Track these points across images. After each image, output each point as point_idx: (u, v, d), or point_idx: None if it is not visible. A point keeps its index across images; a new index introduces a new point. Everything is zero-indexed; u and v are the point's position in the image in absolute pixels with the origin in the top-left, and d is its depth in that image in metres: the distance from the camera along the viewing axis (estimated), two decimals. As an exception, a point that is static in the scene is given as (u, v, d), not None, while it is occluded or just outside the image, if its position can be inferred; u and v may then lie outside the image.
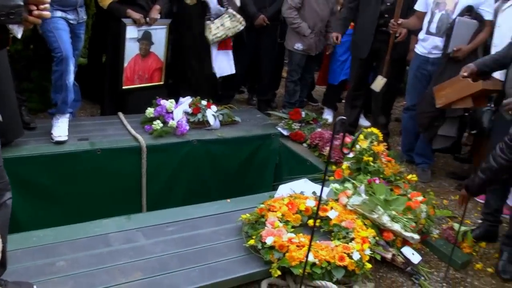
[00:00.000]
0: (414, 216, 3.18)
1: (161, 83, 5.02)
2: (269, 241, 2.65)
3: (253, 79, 6.26)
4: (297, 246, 2.62)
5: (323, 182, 1.99)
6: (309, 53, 5.40)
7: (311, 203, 3.03)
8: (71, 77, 3.84)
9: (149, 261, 2.61)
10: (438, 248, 3.41)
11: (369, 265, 2.76)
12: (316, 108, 6.39)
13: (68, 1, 3.79)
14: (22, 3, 1.63)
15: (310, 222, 2.94)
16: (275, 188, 3.46)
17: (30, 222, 3.45)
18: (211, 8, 4.87)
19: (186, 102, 4.47)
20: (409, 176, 3.70)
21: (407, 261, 3.08)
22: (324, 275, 2.61)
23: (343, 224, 2.94)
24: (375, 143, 3.69)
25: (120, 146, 3.91)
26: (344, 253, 2.68)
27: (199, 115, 4.40)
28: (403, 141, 5.00)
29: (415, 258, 3.11)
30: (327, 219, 3.01)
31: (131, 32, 4.57)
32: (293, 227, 2.88)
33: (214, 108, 4.54)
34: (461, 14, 4.08)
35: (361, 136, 3.72)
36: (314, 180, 3.59)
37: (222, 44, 5.21)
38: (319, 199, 2.10)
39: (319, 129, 4.45)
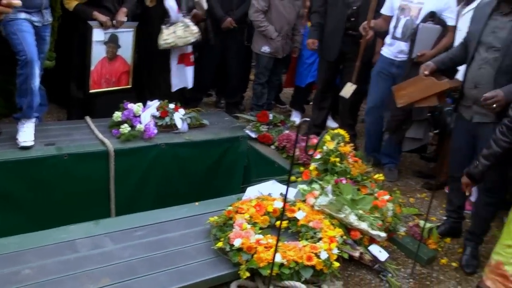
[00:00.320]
0: (380, 214, 3.25)
1: (129, 86, 4.98)
2: (237, 243, 2.66)
3: (221, 82, 6.25)
4: (265, 247, 2.64)
5: (287, 182, 2.02)
6: (276, 56, 5.45)
7: (279, 205, 3.06)
8: (36, 81, 3.77)
9: (118, 266, 2.59)
10: (405, 245, 3.49)
11: (337, 264, 2.80)
12: (284, 110, 6.44)
13: (32, 2, 3.69)
14: None
15: (278, 223, 2.96)
16: (243, 190, 3.47)
17: (-6, 229, 3.38)
18: (171, 15, 4.83)
19: (153, 105, 4.45)
20: (376, 176, 3.77)
21: (375, 259, 3.15)
22: (293, 275, 2.64)
23: (311, 224, 2.98)
24: (342, 144, 3.75)
25: (88, 150, 3.87)
26: (312, 253, 2.72)
27: (167, 119, 4.38)
28: (366, 142, 5.07)
29: (382, 255, 3.17)
30: (295, 220, 3.04)
31: (98, 35, 4.53)
32: (261, 228, 2.90)
33: (181, 111, 4.53)
34: (425, 20, 4.20)
35: (328, 137, 3.77)
36: (282, 182, 3.61)
37: (181, 58, 5.13)
38: (284, 200, 2.13)
39: (286, 131, 4.48)
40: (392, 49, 4.45)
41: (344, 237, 3.03)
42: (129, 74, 4.94)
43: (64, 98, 5.01)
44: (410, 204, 4.30)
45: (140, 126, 4.15)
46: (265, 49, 5.39)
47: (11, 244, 2.65)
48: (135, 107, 4.28)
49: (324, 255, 2.73)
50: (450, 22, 4.22)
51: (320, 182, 3.45)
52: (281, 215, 2.24)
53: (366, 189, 3.54)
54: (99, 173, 3.91)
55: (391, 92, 4.21)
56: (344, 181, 3.45)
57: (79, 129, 4.23)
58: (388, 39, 4.50)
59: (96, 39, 4.54)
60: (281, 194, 3.34)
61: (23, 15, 3.68)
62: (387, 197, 3.44)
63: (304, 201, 3.25)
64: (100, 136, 4.05)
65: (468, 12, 3.95)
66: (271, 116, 4.69)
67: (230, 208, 3.01)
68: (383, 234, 3.15)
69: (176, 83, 5.19)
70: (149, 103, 4.48)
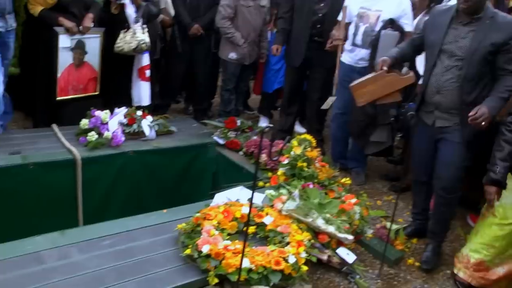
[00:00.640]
0: (348, 217, 3.31)
1: (97, 93, 4.92)
2: (205, 249, 2.67)
3: (189, 88, 6.26)
4: (233, 253, 2.66)
5: (253, 187, 2.04)
6: (243, 63, 5.48)
7: (247, 210, 3.07)
8: (0, 88, 3.71)
9: (85, 277, 2.55)
10: (372, 246, 3.57)
11: (305, 268, 2.83)
12: (252, 116, 6.47)
13: None
14: None
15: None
16: (212, 197, 3.47)
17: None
18: (130, 22, 4.81)
19: (121, 112, 4.41)
20: (343, 180, 3.83)
21: (343, 261, 3.20)
22: (261, 280, 2.65)
23: (279, 229, 3.01)
24: (309, 149, 3.79)
25: (54, 159, 3.80)
26: (280, 257, 2.74)
27: (135, 126, 4.34)
28: (333, 148, 5.13)
29: (350, 257, 3.23)
30: (263, 225, 3.06)
31: (64, 41, 4.47)
32: (229, 234, 2.91)
33: (149, 118, 4.50)
34: (384, 26, 4.30)
35: (295, 143, 3.81)
36: (250, 187, 3.62)
37: (139, 72, 5.05)
38: (250, 205, 2.15)
39: (254, 137, 4.50)
40: (353, 55, 4.54)
41: (312, 240, 3.07)
42: (97, 81, 4.88)
43: (30, 105, 4.92)
44: (378, 206, 4.39)
45: (107, 134, 4.10)
46: (232, 55, 5.42)
47: (-26, 257, 2.59)
48: (103, 114, 4.23)
49: (292, 259, 2.76)
50: (408, 28, 4.34)
51: (288, 187, 3.48)
52: (247, 220, 2.26)
53: (333, 193, 3.59)
54: (66, 182, 3.84)
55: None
56: (311, 186, 3.49)
57: (45, 138, 4.15)
58: (348, 46, 4.57)
59: (63, 46, 4.47)
60: (249, 199, 3.35)
61: None
62: (354, 200, 3.50)
63: (272, 206, 3.27)
64: (67, 144, 3.99)
65: None
66: (239, 122, 4.71)
67: (198, 214, 3.01)
68: (350, 237, 3.20)
69: (137, 99, 5.08)
70: (116, 110, 4.44)
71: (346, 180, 3.83)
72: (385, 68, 3.46)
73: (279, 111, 5.87)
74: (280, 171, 3.75)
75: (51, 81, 4.52)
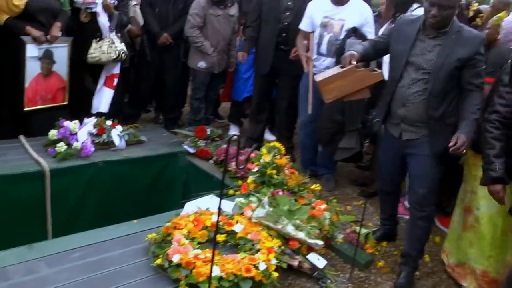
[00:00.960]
0: (318, 223, 3.35)
1: (65, 103, 4.87)
2: (175, 258, 2.67)
3: (159, 97, 6.25)
4: (204, 261, 2.66)
5: (220, 195, 2.06)
6: (212, 71, 5.51)
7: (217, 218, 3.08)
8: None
9: (53, 291, 2.52)
10: (343, 251, 3.61)
11: (275, 274, 2.85)
12: (223, 124, 6.50)
13: None
14: None
15: (217, 237, 3.00)
16: (183, 206, 3.48)
17: None
18: (103, 31, 4.79)
19: (90, 123, 4.38)
20: (313, 186, 3.87)
21: (314, 267, 3.24)
22: (232, 287, 2.67)
23: (249, 236, 3.03)
24: (278, 156, 3.83)
25: (22, 171, 3.73)
26: (251, 264, 2.76)
27: (104, 136, 4.31)
28: (302, 155, 5.18)
29: (321, 263, 3.27)
30: (233, 233, 3.08)
31: (31, 51, 4.39)
32: (199, 243, 2.92)
33: (119, 128, 4.47)
34: (348, 35, 4.37)
35: (264, 150, 3.85)
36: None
37: (107, 80, 5.01)
38: (218, 213, 2.17)
39: (224, 146, 4.52)
40: (318, 64, 4.58)
41: (282, 247, 3.10)
42: (65, 90, 4.83)
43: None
44: (348, 211, 4.45)
45: (76, 144, 4.05)
46: (201, 64, 5.43)
47: None
48: (72, 124, 4.19)
49: (262, 266, 2.78)
50: (370, 36, 4.41)
51: (257, 195, 3.51)
52: (216, 228, 2.27)
53: (303, 199, 3.63)
54: (34, 194, 3.78)
55: (321, 106, 4.32)
56: (280, 193, 3.53)
57: (12, 149, 4.07)
58: (313, 55, 4.61)
59: (30, 55, 4.40)
60: (218, 208, 3.37)
61: None
62: (323, 206, 3.54)
63: (242, 214, 3.30)
64: (35, 155, 3.93)
65: None
66: (208, 131, 4.72)
67: (168, 224, 3.01)
68: (320, 242, 3.24)
69: (96, 106, 5.01)
70: (86, 120, 4.40)
71: (316, 187, 3.87)
72: (354, 62, 3.27)
73: (249, 119, 5.91)
74: (250, 179, 3.78)
75: (18, 91, 4.45)
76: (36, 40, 4.39)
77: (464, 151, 2.97)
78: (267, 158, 3.76)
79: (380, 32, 4.43)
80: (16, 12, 4.31)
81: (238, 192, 3.77)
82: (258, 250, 2.93)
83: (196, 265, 2.64)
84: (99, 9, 4.73)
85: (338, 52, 4.36)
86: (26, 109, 4.53)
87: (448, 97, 3.14)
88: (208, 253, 2.74)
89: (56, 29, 4.51)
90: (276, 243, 3.03)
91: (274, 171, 3.70)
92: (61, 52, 4.67)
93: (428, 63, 3.11)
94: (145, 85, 5.74)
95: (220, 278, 2.63)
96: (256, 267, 2.76)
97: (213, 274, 2.51)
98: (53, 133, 4.13)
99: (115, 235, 3.12)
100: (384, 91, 3.44)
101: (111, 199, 4.24)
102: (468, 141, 2.94)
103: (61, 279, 2.60)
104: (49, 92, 4.69)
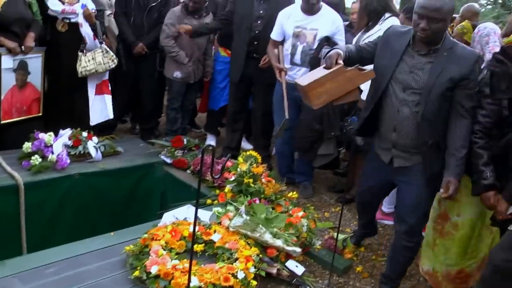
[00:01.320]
0: (295, 230, 3.36)
1: (40, 114, 4.82)
2: (153, 270, 2.66)
3: (135, 108, 6.22)
4: (182, 272, 2.66)
5: (196, 205, 2.07)
6: (188, 81, 5.52)
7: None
8: None
9: (28, 307, 2.47)
10: (321, 257, 3.63)
11: (254, 282, 2.85)
12: (200, 134, 6.51)
13: None
14: None
15: (195, 247, 3.00)
16: (160, 217, 3.46)
17: None
18: (88, 43, 4.77)
19: (65, 134, 4.34)
20: (290, 194, 3.89)
21: (292, 274, 3.24)
22: (211, 297, 2.67)
23: (227, 245, 3.03)
24: (255, 165, 3.84)
25: (-5, 185, 3.70)
26: (229, 273, 2.76)
27: (80, 147, 4.27)
28: (279, 164, 5.20)
29: (299, 270, 3.27)
30: (211, 242, 3.08)
31: (6, 62, 4.34)
32: (177, 253, 2.91)
33: (95, 139, 4.44)
34: (321, 44, 4.41)
35: (241, 159, 3.86)
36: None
37: (99, 88, 5.03)
38: (194, 223, 2.18)
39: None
40: (292, 74, 4.59)
41: (261, 255, 3.10)
42: (40, 101, 4.78)
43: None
44: (326, 218, 4.49)
45: (52, 157, 4.01)
46: (177, 74, 5.45)
47: None
48: (46, 136, 4.14)
49: (241, 275, 2.79)
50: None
51: (235, 204, 3.52)
52: (193, 238, 2.28)
53: (280, 207, 3.64)
54: (8, 209, 3.71)
55: (298, 115, 4.35)
56: (257, 201, 3.54)
57: (-15, 163, 4.04)
58: (286, 65, 4.64)
59: (5, 67, 4.34)
60: (195, 217, 3.36)
61: None
62: (301, 213, 3.56)
63: (219, 223, 3.30)
64: (9, 169, 3.87)
65: (368, 37, 4.12)
66: (185, 140, 4.71)
67: (145, 235, 3.00)
68: (298, 250, 3.25)
69: (97, 117, 5.04)
70: (61, 132, 4.36)
71: (293, 194, 3.89)
72: (340, 62, 2.82)
73: (225, 128, 5.92)
74: (227, 188, 3.78)
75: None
76: (11, 52, 4.34)
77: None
78: (243, 167, 3.77)
79: (354, 40, 4.50)
80: (-11, 23, 4.27)
81: (215, 202, 3.77)
82: (236, 259, 2.93)
83: (174, 276, 2.64)
84: (80, 19, 4.72)
85: (312, 62, 4.40)
86: (2, 122, 4.46)
87: (443, 121, 2.92)
88: (186, 263, 2.73)
89: (30, 40, 4.47)
90: (254, 251, 3.03)
91: (251, 180, 3.71)
92: (35, 63, 4.63)
93: (418, 82, 2.87)
94: (121, 95, 5.71)
95: (199, 288, 2.64)
96: (235, 276, 2.76)
97: (191, 284, 2.51)
98: (27, 146, 4.07)
99: (92, 248, 3.08)
100: (365, 103, 3.28)
101: (88, 212, 4.20)
102: (458, 181, 2.86)
103: (36, 295, 2.57)
104: (24, 104, 4.64)
